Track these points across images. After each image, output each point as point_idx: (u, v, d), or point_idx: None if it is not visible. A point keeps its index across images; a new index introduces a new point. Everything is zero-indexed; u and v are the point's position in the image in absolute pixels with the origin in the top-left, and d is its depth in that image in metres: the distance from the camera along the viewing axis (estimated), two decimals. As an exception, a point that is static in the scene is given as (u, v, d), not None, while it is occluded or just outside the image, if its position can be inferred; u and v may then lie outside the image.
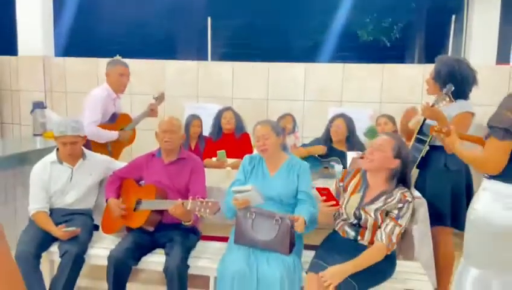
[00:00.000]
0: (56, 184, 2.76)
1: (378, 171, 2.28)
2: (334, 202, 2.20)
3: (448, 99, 2.65)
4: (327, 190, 2.20)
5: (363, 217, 2.25)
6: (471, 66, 2.77)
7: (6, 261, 0.70)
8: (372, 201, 2.25)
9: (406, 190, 2.24)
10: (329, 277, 2.08)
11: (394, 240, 2.17)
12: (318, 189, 2.20)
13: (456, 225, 2.73)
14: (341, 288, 2.07)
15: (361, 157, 2.58)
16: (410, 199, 2.20)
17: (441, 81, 2.75)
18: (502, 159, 1.85)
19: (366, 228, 2.27)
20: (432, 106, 2.63)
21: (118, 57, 3.66)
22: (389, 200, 2.22)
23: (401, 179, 2.27)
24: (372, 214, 2.22)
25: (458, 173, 2.70)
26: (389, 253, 2.19)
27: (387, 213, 2.21)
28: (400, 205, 2.19)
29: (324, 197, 2.20)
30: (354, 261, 2.14)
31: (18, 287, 0.70)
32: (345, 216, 2.34)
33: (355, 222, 2.30)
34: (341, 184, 2.43)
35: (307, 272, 2.24)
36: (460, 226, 2.69)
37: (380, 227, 2.22)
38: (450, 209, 2.71)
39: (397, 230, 2.17)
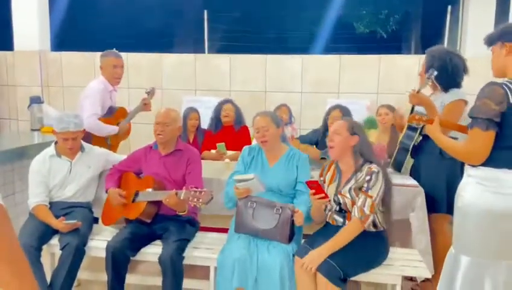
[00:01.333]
0: (55, 178, 2.77)
1: (343, 154, 2.36)
2: (323, 195, 2.25)
3: (430, 83, 2.72)
4: (316, 183, 2.25)
5: (341, 201, 2.33)
6: (461, 56, 2.79)
7: (8, 236, 0.71)
8: (346, 183, 2.34)
9: (372, 164, 2.31)
10: (308, 261, 2.17)
11: (367, 212, 2.22)
12: (308, 182, 2.26)
13: (451, 212, 2.75)
14: (323, 272, 2.13)
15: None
16: (376, 170, 2.27)
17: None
18: (486, 149, 1.87)
19: (350, 212, 2.32)
20: (418, 92, 2.68)
21: (114, 51, 3.65)
22: (359, 176, 2.30)
23: (364, 154, 2.35)
24: (348, 195, 2.30)
25: (453, 160, 2.71)
26: (365, 226, 2.24)
27: (360, 189, 2.28)
28: (368, 178, 2.27)
29: (313, 191, 2.24)
30: (330, 241, 2.22)
31: (23, 268, 0.71)
32: (330, 206, 2.41)
33: (338, 208, 2.37)
34: (321, 179, 2.49)
35: (293, 255, 2.30)
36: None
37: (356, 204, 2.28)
38: (445, 196, 2.73)
39: (369, 201, 2.23)
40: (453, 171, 2.73)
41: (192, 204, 2.36)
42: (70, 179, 2.80)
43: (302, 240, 2.53)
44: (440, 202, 2.73)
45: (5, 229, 0.71)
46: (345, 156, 2.36)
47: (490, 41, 2.04)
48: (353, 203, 2.28)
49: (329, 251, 2.19)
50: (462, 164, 2.75)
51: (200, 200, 2.33)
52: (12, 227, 0.77)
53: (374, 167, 2.28)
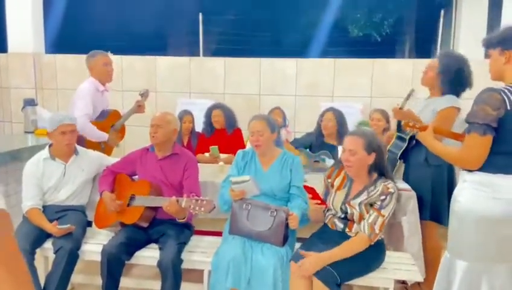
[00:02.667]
0: (49, 180, 2.76)
1: (361, 171, 2.33)
2: (319, 201, 2.26)
3: (410, 101, 2.83)
4: (313, 190, 2.26)
5: (348, 211, 2.31)
6: (470, 68, 2.77)
7: (8, 241, 0.72)
8: (357, 195, 2.32)
9: (388, 181, 2.29)
10: (307, 265, 2.15)
11: (377, 231, 2.22)
12: (305, 187, 2.28)
13: (436, 219, 2.77)
14: (321, 277, 2.13)
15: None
16: (392, 191, 2.25)
17: (449, 76, 2.73)
18: (483, 153, 1.88)
19: (354, 221, 2.32)
20: (400, 108, 2.74)
21: (109, 54, 3.66)
22: (372, 193, 2.28)
23: (380, 169, 2.33)
24: (357, 207, 2.28)
25: (438, 167, 2.73)
26: (372, 243, 2.24)
27: (371, 205, 2.27)
28: (383, 197, 2.24)
29: (311, 196, 2.26)
30: (333, 250, 2.20)
31: (21, 271, 0.72)
32: (333, 211, 2.39)
33: (342, 216, 2.36)
34: (328, 180, 2.49)
35: (290, 261, 2.30)
36: (440, 221, 2.75)
37: (364, 219, 2.27)
38: (429, 203, 2.75)
39: (380, 220, 2.22)
40: (439, 178, 2.75)
41: (194, 213, 2.37)
42: (64, 182, 2.79)
43: (297, 243, 2.55)
44: (424, 209, 2.74)
45: (4, 233, 0.73)
46: (361, 172, 2.33)
47: (489, 44, 2.03)
48: (361, 216, 2.26)
49: (331, 260, 2.17)
50: (449, 172, 2.78)
51: (202, 209, 2.34)
52: (13, 231, 0.78)
53: (391, 187, 2.25)
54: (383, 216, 2.22)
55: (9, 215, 0.76)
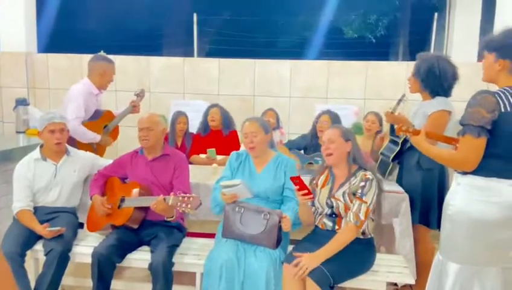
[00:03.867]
0: (40, 181, 2.73)
1: (340, 160, 2.40)
2: (306, 191, 2.26)
3: (402, 105, 2.95)
4: (299, 178, 2.27)
5: (334, 204, 2.35)
6: (452, 62, 2.80)
7: None
8: (340, 187, 2.37)
9: (367, 171, 2.37)
10: (303, 263, 2.17)
11: (362, 217, 2.26)
12: (291, 178, 2.28)
13: (425, 222, 2.78)
14: (315, 278, 2.13)
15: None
16: (371, 177, 2.32)
17: (420, 78, 2.79)
18: (478, 155, 1.89)
19: (341, 217, 2.35)
20: (392, 112, 2.82)
21: (102, 53, 3.61)
22: (353, 182, 2.35)
23: (357, 160, 2.41)
24: (342, 199, 2.33)
25: (430, 171, 2.74)
26: (359, 230, 2.28)
27: (354, 195, 2.31)
28: (362, 184, 2.31)
29: (297, 187, 2.26)
30: (326, 246, 2.23)
31: (8, 283, 0.71)
32: (320, 209, 2.42)
33: (329, 212, 2.38)
34: (314, 182, 2.52)
35: (283, 263, 2.30)
36: (429, 224, 2.76)
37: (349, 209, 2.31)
38: (419, 206, 2.76)
39: (364, 207, 2.27)
40: (429, 182, 2.75)
41: (180, 210, 2.35)
42: (55, 182, 2.77)
43: (290, 246, 2.54)
44: (414, 211, 2.75)
45: None
46: (341, 162, 2.41)
47: (485, 46, 2.01)
48: (346, 207, 2.31)
49: (326, 256, 2.20)
50: (440, 176, 2.79)
51: (189, 205, 2.32)
52: None
53: (369, 174, 2.33)
54: (366, 203, 2.27)
55: None
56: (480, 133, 1.85)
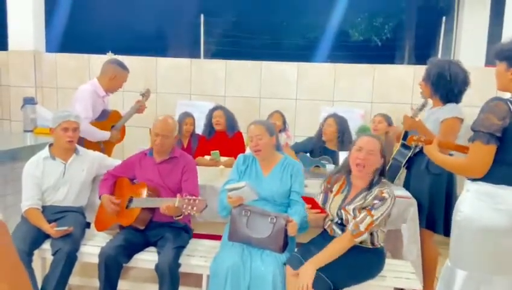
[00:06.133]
0: (49, 180, 2.75)
1: (366, 175, 2.32)
2: (319, 211, 2.26)
3: (423, 112, 2.89)
4: (312, 200, 2.25)
5: (343, 216, 2.30)
6: (463, 66, 2.77)
7: (9, 254, 0.71)
8: (353, 200, 2.31)
9: (385, 187, 2.27)
10: (302, 278, 2.13)
11: (362, 229, 2.18)
12: (304, 198, 2.27)
13: (431, 227, 2.77)
14: (315, 286, 2.11)
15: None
16: (386, 196, 2.22)
17: (430, 82, 2.78)
18: (487, 162, 1.88)
19: None
20: (411, 117, 2.76)
21: (109, 54, 3.64)
22: (368, 197, 2.27)
23: (381, 174, 2.35)
24: (351, 213, 2.26)
25: (438, 176, 2.72)
26: (355, 239, 2.20)
27: (364, 208, 2.26)
28: (376, 201, 2.22)
29: (310, 205, 2.25)
30: (320, 253, 2.20)
31: (22, 280, 0.71)
32: (330, 216, 2.38)
33: (339, 221, 2.35)
34: (328, 185, 2.46)
35: (285, 264, 2.30)
36: (435, 229, 2.75)
37: None
38: (426, 211, 2.75)
39: (368, 219, 2.19)
40: (437, 187, 2.74)
41: (186, 212, 2.36)
42: (63, 181, 2.78)
43: (296, 249, 2.54)
44: (421, 217, 2.73)
45: (3, 245, 0.71)
46: (368, 175, 2.32)
47: (496, 55, 2.01)
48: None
49: (320, 264, 2.16)
50: (448, 181, 2.78)
51: (195, 208, 2.33)
52: (11, 240, 0.77)
53: (385, 193, 2.23)
54: (372, 216, 2.19)
55: (6, 225, 0.75)
56: (490, 140, 1.85)
